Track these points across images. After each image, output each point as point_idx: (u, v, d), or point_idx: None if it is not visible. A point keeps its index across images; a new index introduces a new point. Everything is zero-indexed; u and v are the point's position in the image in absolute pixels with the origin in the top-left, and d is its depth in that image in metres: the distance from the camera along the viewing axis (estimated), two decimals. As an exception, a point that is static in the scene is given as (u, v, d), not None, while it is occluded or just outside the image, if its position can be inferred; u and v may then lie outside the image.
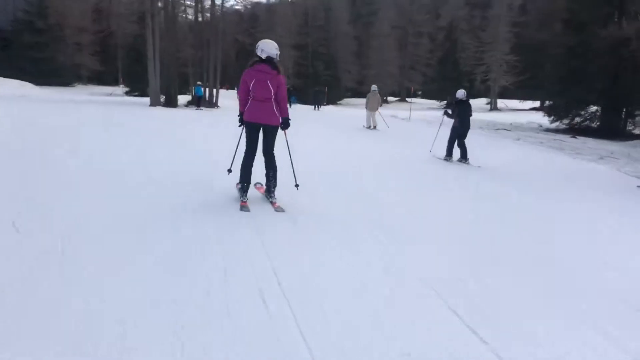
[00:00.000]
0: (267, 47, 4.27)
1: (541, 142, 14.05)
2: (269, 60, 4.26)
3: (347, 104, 46.64)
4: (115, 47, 46.44)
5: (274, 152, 4.52)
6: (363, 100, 16.73)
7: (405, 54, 54.63)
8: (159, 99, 21.75)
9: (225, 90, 31.75)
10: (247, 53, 61.58)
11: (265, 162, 4.52)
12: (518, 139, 14.67)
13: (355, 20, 61.77)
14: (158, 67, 21.31)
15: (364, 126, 15.38)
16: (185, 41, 28.45)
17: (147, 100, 22.49)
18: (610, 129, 17.28)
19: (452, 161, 8.70)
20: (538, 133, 17.77)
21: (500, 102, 41.06)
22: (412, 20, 54.34)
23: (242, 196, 4.40)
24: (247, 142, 4.44)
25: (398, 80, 54.62)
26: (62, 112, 14.66)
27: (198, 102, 22.49)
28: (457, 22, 48.86)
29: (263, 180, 4.73)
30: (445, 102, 44.93)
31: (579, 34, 18.44)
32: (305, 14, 57.05)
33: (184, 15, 29.68)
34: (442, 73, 44.70)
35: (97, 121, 12.75)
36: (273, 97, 4.27)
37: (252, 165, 4.45)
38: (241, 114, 4.45)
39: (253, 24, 38.98)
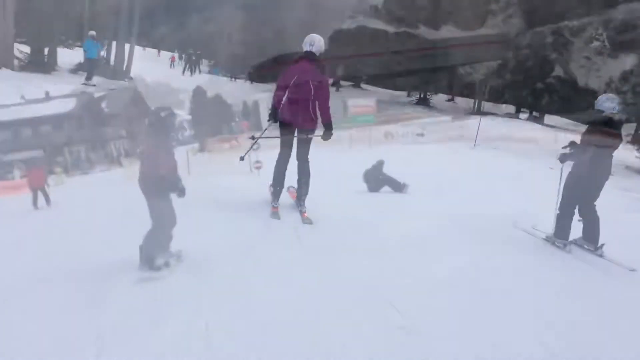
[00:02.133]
0: (307, 40, 4.00)
1: None
2: (309, 55, 3.94)
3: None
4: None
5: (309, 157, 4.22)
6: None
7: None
8: (12, 55, 11.86)
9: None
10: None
11: (298, 167, 4.27)
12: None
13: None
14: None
15: None
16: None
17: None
18: None
19: (568, 248, 4.03)
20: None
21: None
22: None
23: (274, 201, 4.26)
24: (281, 143, 4.19)
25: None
26: None
27: (89, 69, 12.80)
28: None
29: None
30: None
31: None
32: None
33: None
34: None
35: None
36: (312, 99, 3.94)
37: (285, 169, 4.25)
38: (274, 109, 4.15)
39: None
